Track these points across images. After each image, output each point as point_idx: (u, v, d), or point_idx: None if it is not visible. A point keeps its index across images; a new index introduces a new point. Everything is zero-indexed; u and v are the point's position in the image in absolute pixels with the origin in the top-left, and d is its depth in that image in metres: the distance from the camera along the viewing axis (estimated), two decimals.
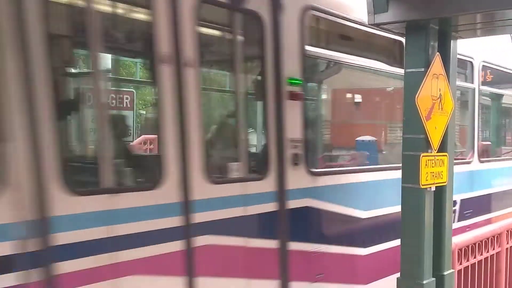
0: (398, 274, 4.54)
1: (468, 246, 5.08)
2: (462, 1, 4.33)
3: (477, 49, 7.29)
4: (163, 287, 3.61)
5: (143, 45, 4.98)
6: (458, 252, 4.91)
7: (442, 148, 4.51)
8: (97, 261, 3.23)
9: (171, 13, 3.62)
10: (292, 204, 4.47)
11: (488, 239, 5.33)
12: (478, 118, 7.71)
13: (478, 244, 5.21)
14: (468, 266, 5.12)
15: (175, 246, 3.64)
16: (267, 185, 4.28)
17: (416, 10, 4.46)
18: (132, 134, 6.97)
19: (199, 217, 3.75)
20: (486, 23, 4.82)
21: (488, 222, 7.25)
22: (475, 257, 5.19)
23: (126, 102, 6.97)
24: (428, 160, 4.28)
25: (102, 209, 3.26)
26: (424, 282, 4.35)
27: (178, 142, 3.65)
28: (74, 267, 3.12)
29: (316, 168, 5.00)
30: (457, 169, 5.18)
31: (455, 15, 4.40)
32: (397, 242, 4.65)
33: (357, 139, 6.82)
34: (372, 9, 4.63)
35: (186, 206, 3.67)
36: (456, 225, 6.36)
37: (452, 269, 4.75)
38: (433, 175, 4.33)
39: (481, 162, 7.67)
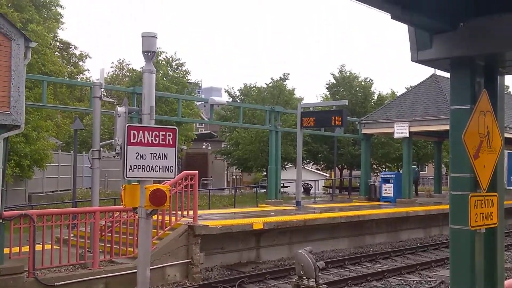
0: None
1: None
2: (509, 36, 4.23)
3: None
4: None
5: None
6: None
7: (492, 187, 4.35)
8: None
9: None
10: None
11: None
12: None
13: None
14: None
15: None
16: None
17: (461, 46, 4.38)
18: (174, 169, 7.03)
19: None
20: None
21: None
22: None
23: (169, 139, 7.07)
24: (477, 200, 4.12)
25: None
26: None
27: None
28: None
29: None
30: None
31: (502, 51, 4.30)
32: None
33: None
34: (415, 45, 4.58)
35: None
36: None
37: None
38: (482, 216, 4.16)
39: None
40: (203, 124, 60.23)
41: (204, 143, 48.50)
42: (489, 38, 4.25)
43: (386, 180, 23.87)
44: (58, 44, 28.03)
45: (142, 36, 7.48)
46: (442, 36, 4.40)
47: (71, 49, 29.13)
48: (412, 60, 4.68)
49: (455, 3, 4.28)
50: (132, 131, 6.84)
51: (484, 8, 4.26)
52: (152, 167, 6.98)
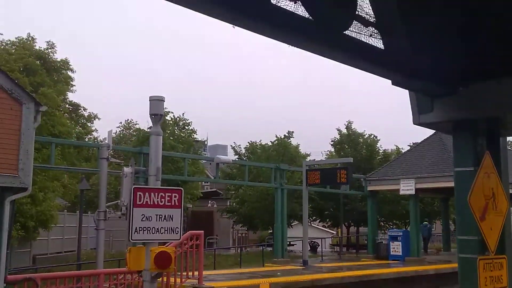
0: None
1: None
2: (508, 99, 4.32)
3: None
4: None
5: None
6: None
7: (500, 249, 4.30)
8: None
9: None
10: None
11: None
12: None
13: None
14: None
15: None
16: None
17: (462, 109, 4.47)
18: (179, 231, 7.02)
19: None
20: None
21: None
22: None
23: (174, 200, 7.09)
24: (486, 263, 4.07)
25: None
26: None
27: None
28: None
29: None
30: None
31: (503, 114, 4.37)
32: None
33: None
34: (416, 109, 4.67)
35: None
36: None
37: None
38: (492, 280, 4.09)
39: None
40: (209, 182, 60.17)
41: (209, 201, 48.31)
42: (489, 102, 4.33)
43: (394, 238, 23.53)
44: (67, 106, 28.58)
45: (150, 100, 7.64)
46: (443, 100, 4.49)
47: (80, 111, 29.65)
48: (414, 123, 4.75)
49: (453, 69, 4.40)
50: (138, 193, 6.86)
51: (483, 73, 4.38)
52: (158, 228, 6.95)
